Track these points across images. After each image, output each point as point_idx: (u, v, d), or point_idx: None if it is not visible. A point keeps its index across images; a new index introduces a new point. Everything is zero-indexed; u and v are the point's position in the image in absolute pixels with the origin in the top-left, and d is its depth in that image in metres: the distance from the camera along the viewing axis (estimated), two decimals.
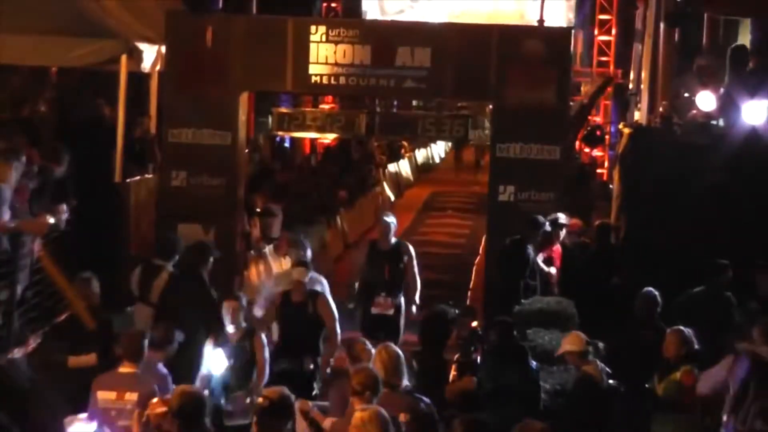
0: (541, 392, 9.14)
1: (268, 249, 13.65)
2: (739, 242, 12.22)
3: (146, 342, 8.45)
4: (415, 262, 12.48)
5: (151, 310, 11.06)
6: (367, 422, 6.34)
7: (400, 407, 7.32)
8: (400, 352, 7.97)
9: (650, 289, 10.51)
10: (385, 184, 29.78)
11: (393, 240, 12.52)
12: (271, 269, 14.90)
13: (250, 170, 16.29)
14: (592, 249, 13.21)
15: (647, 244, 12.92)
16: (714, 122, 13.78)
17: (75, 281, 10.11)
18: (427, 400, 7.67)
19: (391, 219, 12.67)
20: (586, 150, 24.43)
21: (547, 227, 12.49)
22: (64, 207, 11.27)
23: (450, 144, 41.92)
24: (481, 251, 19.78)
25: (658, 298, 10.42)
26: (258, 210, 15.19)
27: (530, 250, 12.18)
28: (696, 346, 9.21)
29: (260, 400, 6.56)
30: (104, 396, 8.09)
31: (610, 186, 17.78)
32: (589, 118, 24.98)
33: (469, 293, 17.76)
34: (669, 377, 9.08)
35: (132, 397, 7.99)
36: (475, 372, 9.11)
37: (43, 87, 15.45)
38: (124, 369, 8.27)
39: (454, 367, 9.39)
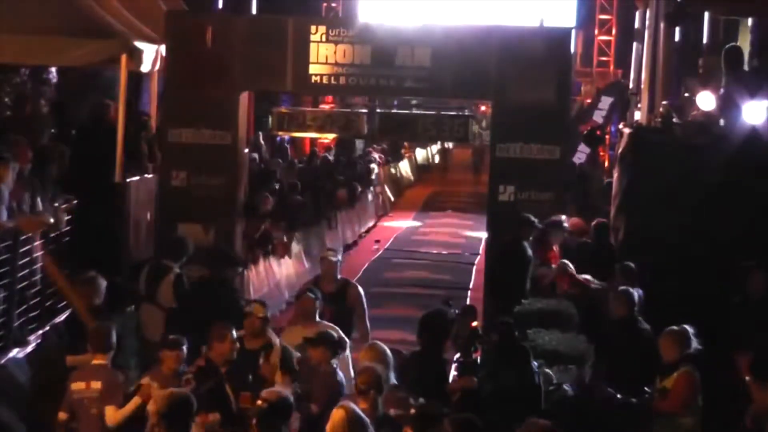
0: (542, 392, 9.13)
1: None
2: (737, 242, 12.20)
3: (114, 334, 8.64)
4: (365, 307, 10.82)
5: (157, 310, 11.08)
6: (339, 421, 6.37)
7: (391, 403, 7.46)
8: (387, 349, 8.14)
9: (627, 289, 10.48)
10: (385, 185, 29.82)
11: (338, 279, 10.93)
12: (273, 271, 14.90)
13: (249, 170, 16.27)
14: (591, 248, 13.20)
15: (646, 244, 12.90)
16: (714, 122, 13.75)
17: (79, 281, 10.09)
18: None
19: (336, 258, 11.14)
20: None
21: (538, 224, 12.47)
22: (55, 205, 11.25)
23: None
24: (481, 251, 19.81)
25: (636, 299, 10.37)
26: (257, 211, 15.19)
27: (527, 247, 12.19)
28: (693, 346, 9.12)
29: (259, 402, 6.58)
30: (76, 387, 8.45)
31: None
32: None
33: (469, 293, 17.79)
34: (668, 379, 9.03)
35: (96, 385, 8.33)
36: (475, 372, 9.11)
37: (43, 87, 15.44)
38: (96, 361, 8.55)
39: (454, 367, 9.39)
